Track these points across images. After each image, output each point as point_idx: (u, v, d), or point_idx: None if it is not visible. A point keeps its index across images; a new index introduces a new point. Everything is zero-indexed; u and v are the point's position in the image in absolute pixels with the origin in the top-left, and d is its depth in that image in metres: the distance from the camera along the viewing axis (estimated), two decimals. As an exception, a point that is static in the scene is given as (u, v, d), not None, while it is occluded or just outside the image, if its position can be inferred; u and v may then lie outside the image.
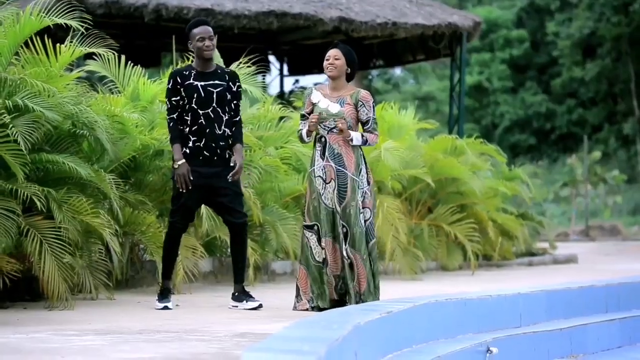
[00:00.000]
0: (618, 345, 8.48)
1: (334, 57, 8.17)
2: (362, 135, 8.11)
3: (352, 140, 8.05)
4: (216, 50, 10.49)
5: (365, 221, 8.09)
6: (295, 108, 13.04)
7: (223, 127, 8.15)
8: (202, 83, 8.16)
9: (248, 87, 10.57)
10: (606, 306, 8.85)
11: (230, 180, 8.09)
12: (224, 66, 8.71)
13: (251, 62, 10.48)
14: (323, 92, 8.22)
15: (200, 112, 8.12)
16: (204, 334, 6.52)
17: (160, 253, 8.88)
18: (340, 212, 8.04)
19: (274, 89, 24.01)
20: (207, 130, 8.10)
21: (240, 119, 8.31)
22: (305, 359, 3.90)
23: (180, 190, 8.06)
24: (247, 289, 8.47)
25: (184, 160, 8.04)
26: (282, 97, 20.05)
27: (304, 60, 21.65)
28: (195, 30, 8.20)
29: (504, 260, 15.07)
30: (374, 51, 20.52)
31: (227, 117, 8.18)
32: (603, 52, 40.09)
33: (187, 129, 8.12)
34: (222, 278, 10.72)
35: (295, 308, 8.19)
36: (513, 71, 43.40)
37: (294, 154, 11.22)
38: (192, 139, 8.11)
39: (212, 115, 8.12)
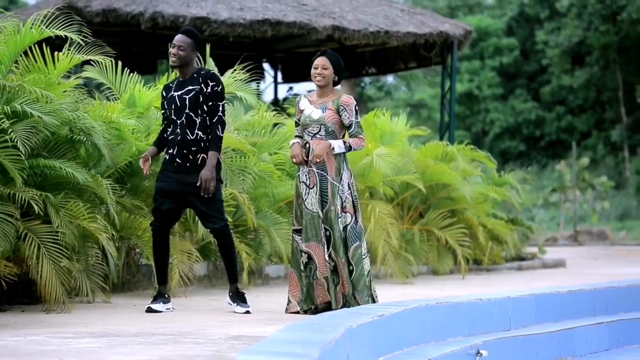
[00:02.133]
0: (606, 348, 8.50)
1: (322, 66, 8.12)
2: (345, 142, 8.09)
3: (334, 149, 8.04)
4: (210, 59, 10.57)
5: (345, 226, 8.07)
6: (289, 115, 13.06)
7: (196, 131, 8.09)
8: (179, 92, 8.17)
9: (242, 94, 10.58)
10: (594, 310, 8.87)
11: (203, 195, 8.03)
12: (208, 69, 8.66)
13: (246, 69, 10.48)
14: (310, 99, 8.24)
15: (177, 121, 8.14)
16: (199, 336, 6.53)
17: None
18: (322, 216, 8.05)
19: (268, 96, 24.06)
20: (179, 138, 8.11)
21: (218, 119, 8.09)
22: (298, 361, 3.91)
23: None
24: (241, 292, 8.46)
25: (144, 153, 8.34)
26: (276, 104, 20.06)
27: (298, 67, 21.67)
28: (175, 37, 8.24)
29: (493, 264, 15.07)
30: (366, 59, 20.55)
31: (200, 120, 8.09)
32: (591, 60, 40.14)
33: (168, 138, 8.22)
34: (217, 282, 10.72)
35: (287, 311, 8.20)
36: (503, 79, 43.44)
37: (288, 160, 11.22)
38: (169, 146, 8.20)
39: (185, 122, 8.10)
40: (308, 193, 8.10)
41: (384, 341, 6.01)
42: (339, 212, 8.05)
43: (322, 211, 8.07)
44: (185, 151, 8.09)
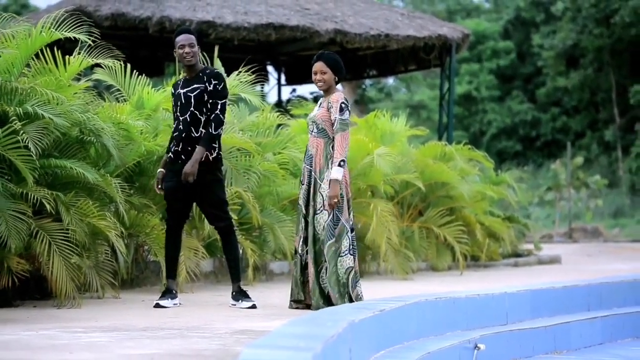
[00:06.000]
0: (600, 342, 8.50)
1: (321, 71, 8.01)
2: (338, 163, 7.82)
3: (338, 179, 7.80)
4: (218, 61, 10.58)
5: (322, 223, 7.92)
6: (292, 116, 13.06)
7: (201, 128, 8.12)
8: (184, 90, 8.18)
9: (247, 96, 10.59)
10: (588, 305, 8.87)
11: (183, 182, 8.01)
12: (214, 68, 8.63)
13: (250, 72, 10.49)
14: (321, 100, 8.22)
15: (181, 118, 8.16)
16: (206, 331, 6.53)
17: (163, 254, 8.90)
18: (304, 212, 8.00)
19: (272, 98, 24.09)
20: (184, 135, 8.12)
21: (215, 117, 8.08)
22: (302, 355, 3.91)
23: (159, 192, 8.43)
24: (246, 288, 8.47)
25: (160, 170, 8.34)
26: (280, 106, 20.11)
27: (301, 70, 21.68)
28: (177, 39, 8.22)
29: (491, 260, 15.07)
30: (367, 61, 20.56)
31: (204, 118, 8.12)
32: (585, 62, 40.09)
33: (173, 135, 8.25)
34: (223, 278, 10.72)
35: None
36: (500, 81, 43.41)
37: (291, 160, 11.24)
38: (172, 143, 8.23)
39: (189, 119, 8.11)
40: (300, 190, 8.11)
41: (384, 335, 6.01)
42: (317, 209, 7.96)
43: (304, 207, 8.04)
44: (189, 148, 8.10)
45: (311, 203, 7.98)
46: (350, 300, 7.81)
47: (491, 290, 8.10)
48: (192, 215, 9.92)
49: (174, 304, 8.22)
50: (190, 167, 7.97)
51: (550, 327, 7.87)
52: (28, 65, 8.54)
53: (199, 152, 8.01)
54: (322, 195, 7.94)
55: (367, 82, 41.06)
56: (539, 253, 17.46)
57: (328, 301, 7.89)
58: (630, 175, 36.99)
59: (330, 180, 7.85)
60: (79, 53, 8.68)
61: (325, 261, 7.91)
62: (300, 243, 8.03)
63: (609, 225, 31.87)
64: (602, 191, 33.20)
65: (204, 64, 8.90)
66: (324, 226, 7.92)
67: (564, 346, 8.01)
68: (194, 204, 8.67)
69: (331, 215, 7.90)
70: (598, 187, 31.76)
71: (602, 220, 32.61)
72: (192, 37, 8.22)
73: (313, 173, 8.00)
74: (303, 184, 8.07)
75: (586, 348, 8.26)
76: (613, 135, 38.73)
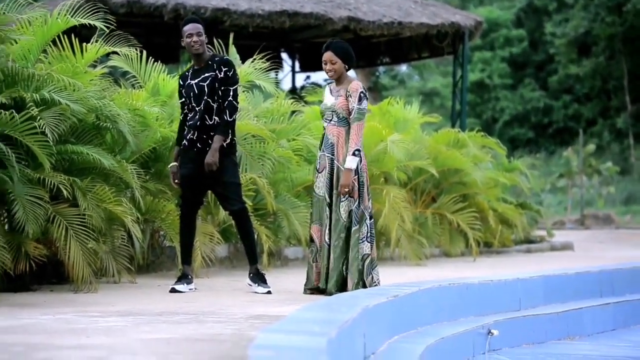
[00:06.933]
0: (612, 327, 8.49)
1: (330, 61, 7.98)
2: (353, 153, 7.84)
3: (351, 169, 7.82)
4: (233, 48, 10.57)
5: (348, 209, 7.94)
6: (306, 102, 13.04)
7: (214, 116, 8.13)
8: (196, 80, 8.17)
9: (262, 83, 10.58)
10: (600, 291, 8.85)
11: (207, 171, 8.06)
12: (222, 55, 8.56)
13: (264, 59, 10.47)
14: (331, 88, 8.18)
15: (197, 108, 8.16)
16: (221, 315, 6.53)
17: (178, 239, 8.91)
18: (328, 200, 7.97)
19: (286, 85, 24.04)
20: (199, 123, 8.13)
21: (228, 104, 8.11)
22: (317, 340, 3.90)
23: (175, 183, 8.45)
24: (261, 273, 8.45)
25: (173, 164, 8.35)
26: (294, 92, 20.09)
27: (315, 57, 21.61)
28: (185, 28, 8.20)
29: (503, 247, 15.04)
30: (381, 49, 20.51)
31: (216, 105, 8.13)
32: (597, 50, 39.94)
33: (188, 123, 8.24)
34: (238, 263, 10.73)
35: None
36: (512, 68, 43.27)
37: (305, 146, 11.22)
38: (188, 132, 8.20)
39: (204, 108, 8.12)
40: (317, 177, 8.08)
41: (398, 321, 6.01)
42: (342, 197, 7.95)
43: (328, 195, 8.02)
44: (204, 136, 8.13)
45: (334, 191, 7.98)
46: (364, 287, 7.81)
47: (504, 276, 8.08)
48: (207, 201, 9.92)
49: (190, 289, 8.23)
50: (211, 156, 8.02)
51: (563, 313, 7.86)
52: (45, 52, 8.55)
53: (217, 140, 8.04)
54: None
55: (381, 69, 41.05)
56: (551, 239, 17.41)
57: (342, 288, 7.91)
58: (641, 162, 36.88)
59: (344, 168, 7.86)
60: (96, 41, 8.68)
61: (350, 247, 7.94)
62: (326, 231, 8.00)
63: (620, 212, 31.78)
64: (614, 178, 33.11)
65: (218, 50, 8.86)
66: (349, 212, 7.93)
67: (577, 332, 8.00)
68: (209, 192, 8.68)
69: (356, 203, 7.93)
70: (610, 174, 31.67)
71: (613, 207, 32.52)
72: (200, 26, 8.20)
73: (335, 161, 7.99)
74: (320, 172, 8.05)
75: (598, 334, 8.25)
76: (625, 122, 38.60)
